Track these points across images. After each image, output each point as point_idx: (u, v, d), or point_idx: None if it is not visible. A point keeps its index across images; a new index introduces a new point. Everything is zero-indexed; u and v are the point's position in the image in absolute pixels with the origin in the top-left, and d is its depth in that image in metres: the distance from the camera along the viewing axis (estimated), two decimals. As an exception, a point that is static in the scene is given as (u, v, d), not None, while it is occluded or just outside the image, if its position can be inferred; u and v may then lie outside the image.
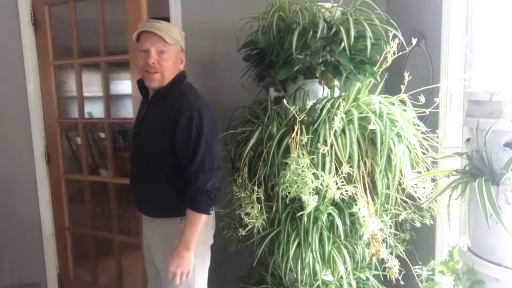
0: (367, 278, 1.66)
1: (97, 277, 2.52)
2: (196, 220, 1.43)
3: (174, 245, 1.46)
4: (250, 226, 1.51)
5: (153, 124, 1.55)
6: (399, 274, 1.49)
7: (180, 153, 1.47)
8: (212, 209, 1.53)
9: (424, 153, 1.47)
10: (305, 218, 1.45)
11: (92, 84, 3.50)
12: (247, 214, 1.49)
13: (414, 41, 1.57)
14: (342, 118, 1.41)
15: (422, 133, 1.49)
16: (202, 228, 1.46)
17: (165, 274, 1.48)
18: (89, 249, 2.52)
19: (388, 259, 1.47)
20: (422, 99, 1.39)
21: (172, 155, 1.48)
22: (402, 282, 1.53)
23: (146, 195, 1.60)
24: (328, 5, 1.54)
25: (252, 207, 1.49)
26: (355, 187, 1.38)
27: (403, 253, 1.56)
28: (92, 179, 2.43)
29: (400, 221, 1.57)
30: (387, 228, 1.49)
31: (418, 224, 1.52)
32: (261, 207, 1.51)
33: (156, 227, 1.59)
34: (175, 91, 1.53)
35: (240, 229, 1.56)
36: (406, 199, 1.51)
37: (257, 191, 1.49)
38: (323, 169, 1.39)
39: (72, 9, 2.15)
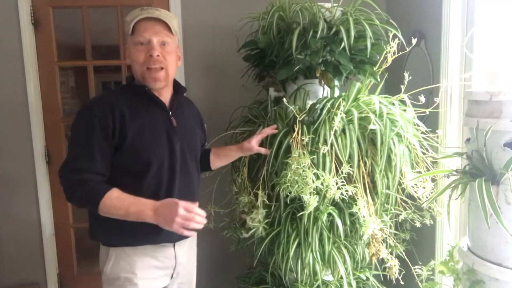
0: (367, 278, 1.66)
1: (99, 277, 2.51)
2: None
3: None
4: (253, 230, 1.51)
5: (194, 129, 1.48)
6: (399, 274, 1.49)
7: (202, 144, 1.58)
8: None
9: (424, 153, 1.47)
10: (305, 218, 1.45)
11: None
12: (252, 219, 1.49)
13: (414, 41, 1.57)
14: (342, 118, 1.41)
15: (422, 133, 1.49)
16: None
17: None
18: (90, 248, 2.52)
19: (388, 259, 1.47)
20: (422, 99, 1.39)
21: None
22: (402, 282, 1.53)
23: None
24: (328, 5, 1.54)
25: (257, 212, 1.49)
26: (355, 187, 1.38)
27: (403, 253, 1.56)
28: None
29: (400, 221, 1.58)
30: (387, 228, 1.49)
31: (418, 224, 1.52)
32: (266, 212, 1.51)
33: (191, 239, 1.51)
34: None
35: (242, 231, 1.56)
36: (406, 199, 1.51)
37: (262, 195, 1.49)
38: (324, 169, 1.38)
39: (86, 13, 2.17)
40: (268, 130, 1.51)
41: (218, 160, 1.59)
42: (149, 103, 1.31)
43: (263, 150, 1.50)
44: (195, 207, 1.16)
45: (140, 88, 1.31)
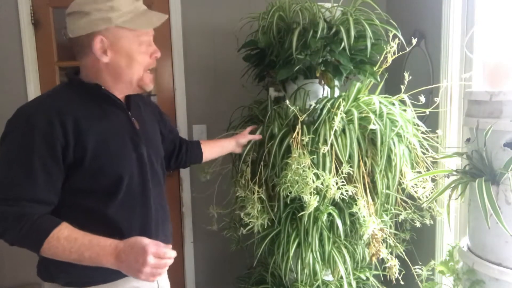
0: (367, 278, 1.66)
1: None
2: None
3: None
4: (250, 226, 1.51)
5: (154, 129, 1.26)
6: (399, 274, 1.49)
7: (173, 137, 1.45)
8: None
9: (424, 153, 1.47)
10: (305, 218, 1.45)
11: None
12: (247, 214, 1.49)
13: (414, 41, 1.57)
14: (342, 118, 1.41)
15: (422, 133, 1.49)
16: None
17: None
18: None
19: (388, 259, 1.47)
20: (422, 99, 1.39)
21: None
22: (402, 282, 1.53)
23: (168, 221, 1.24)
24: (328, 5, 1.54)
25: (253, 207, 1.49)
26: (355, 187, 1.38)
27: (403, 253, 1.56)
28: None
29: (400, 221, 1.58)
30: (387, 228, 1.49)
31: (418, 224, 1.52)
32: (262, 207, 1.51)
33: None
34: None
35: (241, 228, 1.55)
36: (406, 199, 1.51)
37: (258, 191, 1.49)
38: (324, 169, 1.39)
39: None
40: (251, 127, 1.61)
41: (212, 153, 1.59)
42: (105, 104, 1.06)
43: (256, 137, 1.56)
44: (167, 251, 0.92)
45: (94, 87, 1.05)
